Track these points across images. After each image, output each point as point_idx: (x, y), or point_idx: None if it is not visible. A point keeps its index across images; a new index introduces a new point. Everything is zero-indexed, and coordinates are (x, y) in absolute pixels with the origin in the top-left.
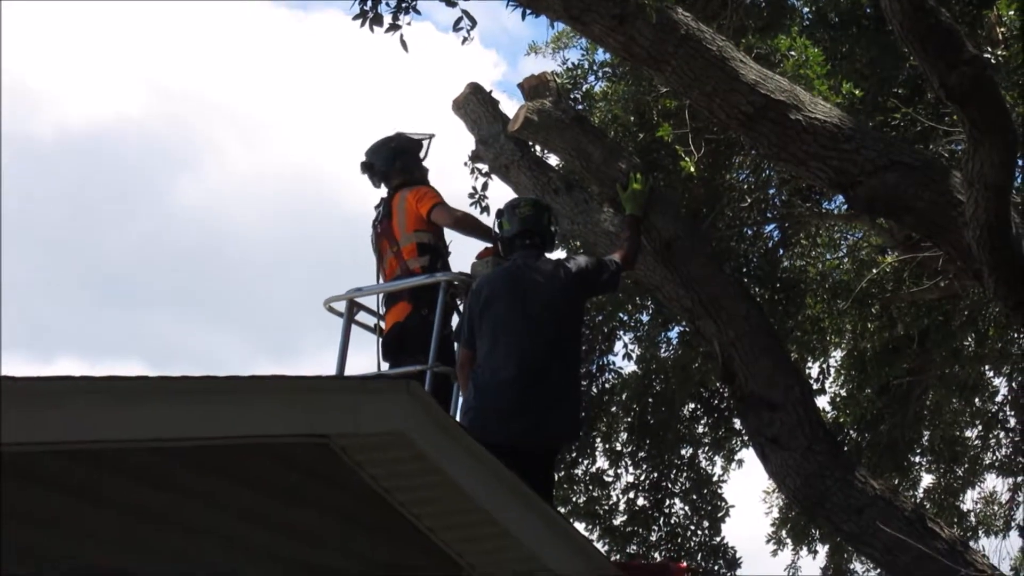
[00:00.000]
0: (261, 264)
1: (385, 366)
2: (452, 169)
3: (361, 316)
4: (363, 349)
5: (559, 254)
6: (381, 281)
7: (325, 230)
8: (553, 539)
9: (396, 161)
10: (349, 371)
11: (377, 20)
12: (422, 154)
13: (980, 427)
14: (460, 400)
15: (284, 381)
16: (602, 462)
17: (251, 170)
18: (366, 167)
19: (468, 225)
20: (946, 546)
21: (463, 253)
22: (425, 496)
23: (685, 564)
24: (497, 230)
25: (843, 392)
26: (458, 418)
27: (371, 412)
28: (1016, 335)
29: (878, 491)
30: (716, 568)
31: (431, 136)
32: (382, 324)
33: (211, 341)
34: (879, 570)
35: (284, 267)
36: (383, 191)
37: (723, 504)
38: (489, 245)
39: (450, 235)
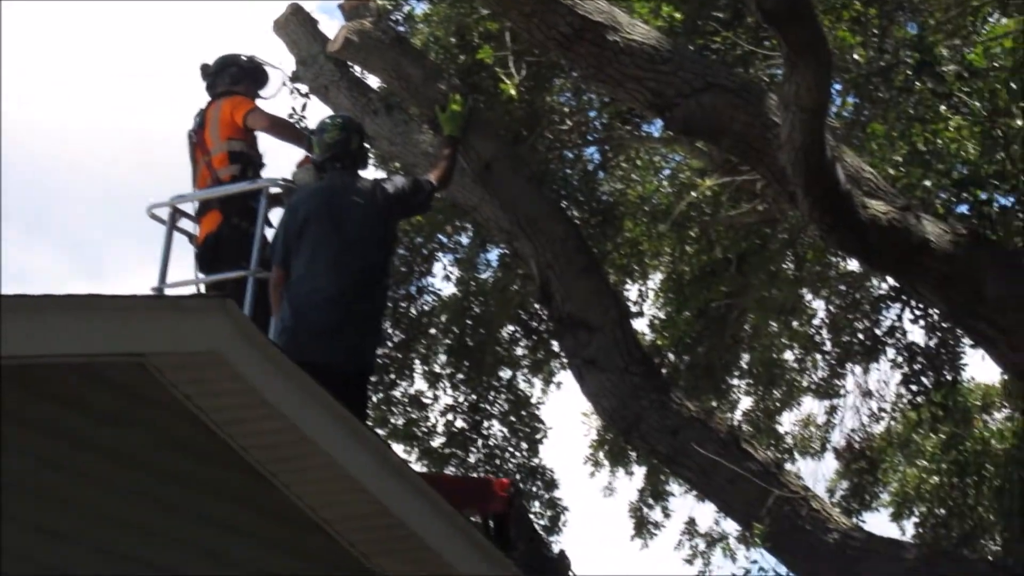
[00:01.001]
0: (78, 182)
1: (202, 278)
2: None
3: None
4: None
5: (378, 174)
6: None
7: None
8: (369, 460)
9: (234, 74)
10: (173, 279)
11: None
12: (267, 89)
13: (797, 350)
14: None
15: (99, 300)
16: (420, 384)
17: (65, 76)
18: (204, 69)
19: (284, 128)
20: (760, 467)
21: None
22: (239, 416)
23: (508, 480)
24: (309, 152)
25: (661, 315)
26: (273, 337)
27: (186, 331)
28: (833, 258)
29: (693, 413)
30: (534, 489)
31: (286, 76)
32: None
33: (24, 260)
34: (695, 491)
35: (103, 185)
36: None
37: (541, 426)
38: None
39: (265, 145)
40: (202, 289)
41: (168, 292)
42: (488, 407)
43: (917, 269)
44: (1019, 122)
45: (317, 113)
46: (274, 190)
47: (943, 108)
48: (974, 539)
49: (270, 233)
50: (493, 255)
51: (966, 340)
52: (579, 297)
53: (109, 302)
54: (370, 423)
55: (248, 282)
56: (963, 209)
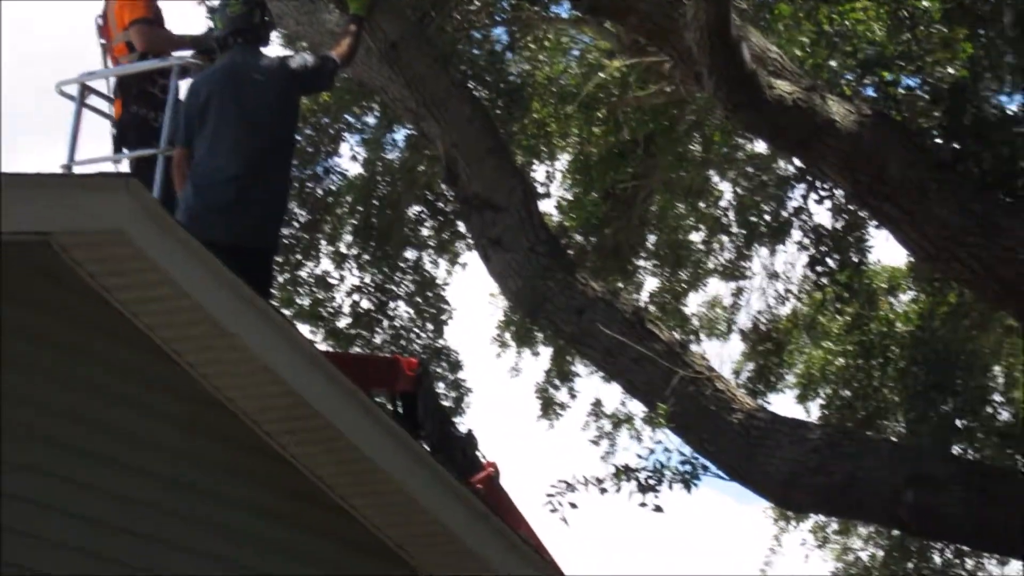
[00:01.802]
0: None
1: (112, 156)
2: None
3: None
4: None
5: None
6: None
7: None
8: (274, 338)
9: None
10: (83, 156)
11: None
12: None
13: (704, 231)
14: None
15: (2, 177)
16: (327, 264)
17: None
18: None
19: (160, 48)
20: (665, 348)
21: None
22: (144, 295)
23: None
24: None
25: (568, 196)
26: (177, 217)
27: (90, 209)
28: (741, 140)
29: (599, 293)
30: (439, 371)
31: None
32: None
33: None
34: (600, 372)
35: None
36: None
37: (447, 307)
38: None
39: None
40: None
41: (77, 170)
42: (394, 288)
43: (822, 149)
44: (925, 3)
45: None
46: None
47: None
48: (878, 420)
49: None
50: (400, 135)
51: (873, 223)
52: (485, 178)
53: (12, 179)
54: (276, 303)
55: (157, 162)
56: (869, 90)
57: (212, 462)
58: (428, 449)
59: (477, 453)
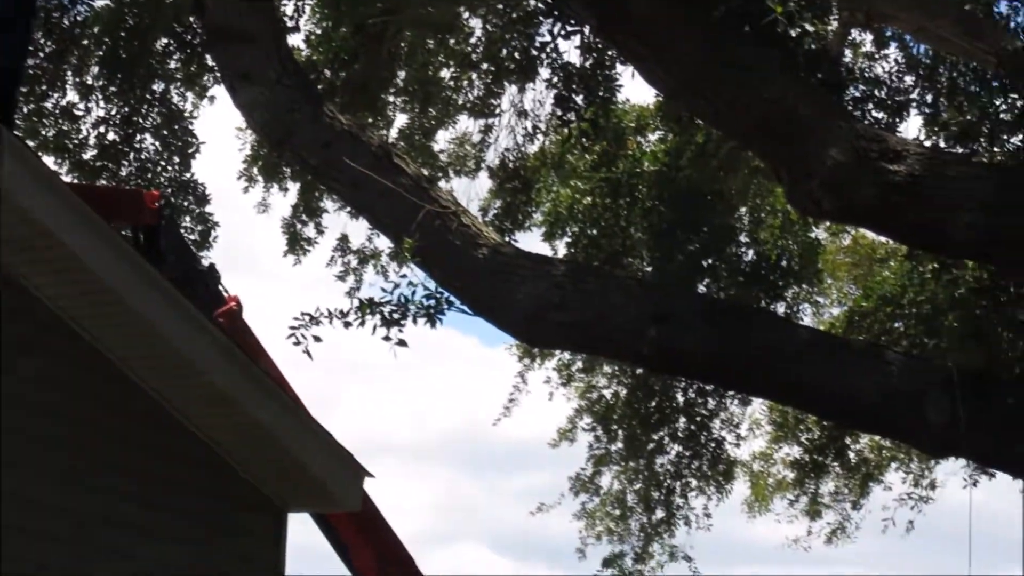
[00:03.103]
0: None
1: None
2: None
3: None
4: None
5: None
6: None
7: None
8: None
9: None
10: None
11: None
12: None
13: (454, 68)
14: None
15: None
16: (72, 96)
17: None
18: None
19: None
20: (412, 182)
21: None
22: None
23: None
24: None
25: (318, 30)
26: None
27: None
28: None
29: (346, 126)
30: (185, 204)
31: None
32: None
33: None
34: (348, 208)
35: None
36: None
37: (194, 140)
38: None
39: None
40: None
41: None
42: (141, 120)
43: None
44: None
45: None
46: None
47: None
48: (624, 257)
49: None
50: None
51: (621, 60)
52: (233, 10)
53: None
54: (19, 134)
55: None
56: None
57: None
58: (169, 282)
59: (220, 287)
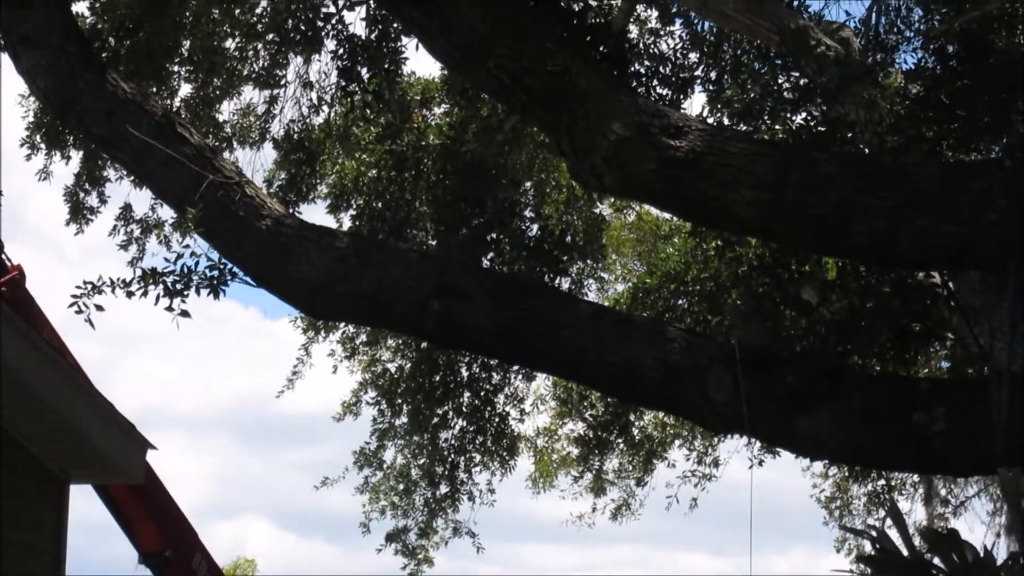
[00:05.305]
0: None
1: None
2: None
3: None
4: None
5: None
6: None
7: None
8: None
9: None
10: None
11: None
12: None
13: (239, 38)
14: None
15: None
16: None
17: None
18: None
19: None
20: (195, 152)
21: None
22: None
23: None
24: None
25: None
26: None
27: None
28: None
29: (129, 95)
30: None
31: None
32: None
33: None
34: (131, 177)
35: None
36: None
37: None
38: None
39: None
40: None
41: None
42: None
43: None
44: None
45: None
46: None
47: None
48: (408, 230)
49: None
50: None
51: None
52: None
53: None
54: None
55: None
56: None
57: None
58: None
59: (3, 256)
